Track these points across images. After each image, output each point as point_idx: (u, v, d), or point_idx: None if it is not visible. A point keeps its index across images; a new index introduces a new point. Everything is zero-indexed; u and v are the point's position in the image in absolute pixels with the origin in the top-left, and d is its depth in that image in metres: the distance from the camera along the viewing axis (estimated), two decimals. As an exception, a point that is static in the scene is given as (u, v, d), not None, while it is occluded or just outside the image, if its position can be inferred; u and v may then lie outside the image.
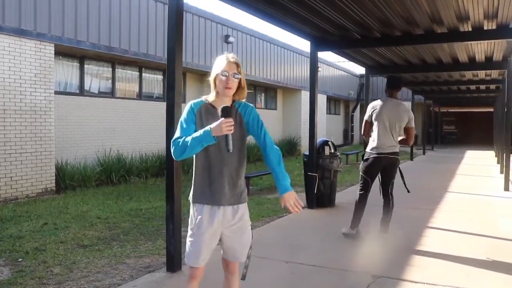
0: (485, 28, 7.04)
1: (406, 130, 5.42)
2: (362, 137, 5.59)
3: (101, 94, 11.37)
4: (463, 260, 4.81)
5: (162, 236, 5.55)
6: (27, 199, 8.31)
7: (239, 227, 2.63)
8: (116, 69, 11.76)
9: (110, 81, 11.67)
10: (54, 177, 9.02)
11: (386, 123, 5.30)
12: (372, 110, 5.43)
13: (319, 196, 7.69)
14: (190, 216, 2.67)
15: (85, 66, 10.89)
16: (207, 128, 2.42)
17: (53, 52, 8.98)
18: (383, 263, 4.64)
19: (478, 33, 7.17)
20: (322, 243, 5.49)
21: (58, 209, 7.32)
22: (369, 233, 5.60)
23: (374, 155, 5.33)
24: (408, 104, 21.94)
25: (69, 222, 6.39)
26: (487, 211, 7.61)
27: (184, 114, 2.60)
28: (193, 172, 2.67)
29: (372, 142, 5.40)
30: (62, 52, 10.01)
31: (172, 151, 2.53)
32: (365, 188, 5.44)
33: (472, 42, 8.00)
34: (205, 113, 2.59)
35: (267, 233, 5.94)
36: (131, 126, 11.94)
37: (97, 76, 11.40)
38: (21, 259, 4.71)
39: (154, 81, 13.26)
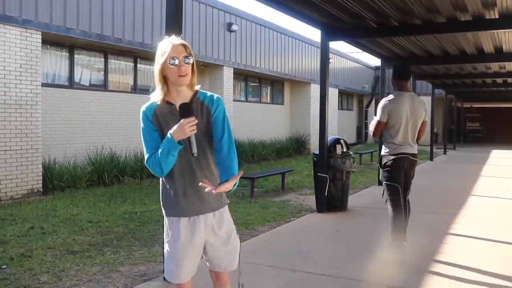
0: (514, 15, 7.01)
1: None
2: (373, 137, 5.36)
3: (92, 87, 11.41)
4: (488, 271, 4.79)
5: (159, 241, 5.56)
6: (12, 201, 8.35)
7: (224, 233, 2.57)
8: (109, 60, 11.79)
9: (102, 72, 11.70)
10: (41, 177, 9.06)
11: (404, 121, 5.13)
12: (386, 108, 5.19)
13: (330, 199, 7.69)
14: (165, 227, 2.59)
15: (75, 56, 10.92)
16: (168, 135, 2.34)
17: (40, 40, 9.01)
18: (400, 273, 4.63)
19: (506, 21, 7.12)
20: (333, 250, 5.49)
21: (46, 212, 7.36)
22: (383, 241, 5.58)
23: (394, 157, 5.14)
24: (427, 99, 21.82)
25: (58, 226, 6.42)
26: (514, 217, 7.60)
27: (141, 126, 2.47)
28: (160, 180, 2.56)
29: (390, 143, 5.23)
30: (50, 41, 10.05)
31: (152, 172, 2.46)
32: (396, 199, 5.10)
33: (499, 30, 7.95)
34: (162, 115, 2.44)
35: (273, 239, 5.95)
36: (125, 121, 11.97)
37: (88, 67, 11.43)
38: (5, 266, 4.73)
39: (150, 73, 13.26)
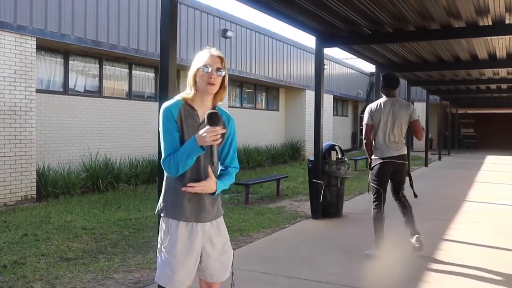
0: (507, 22, 7.06)
1: (411, 124, 5.52)
2: (364, 142, 5.62)
3: (87, 93, 11.38)
4: (482, 277, 4.81)
5: (153, 248, 5.54)
6: (5, 208, 8.30)
7: (220, 243, 2.59)
8: (104, 66, 11.78)
9: (97, 78, 11.68)
10: (35, 184, 9.02)
11: (386, 124, 5.45)
12: (367, 112, 5.58)
13: (325, 206, 7.69)
14: (161, 230, 2.57)
15: (70, 62, 10.91)
16: (193, 137, 2.37)
17: (34, 46, 9.00)
18: (395, 279, 4.64)
19: (499, 28, 7.20)
20: (329, 256, 5.48)
21: (39, 218, 7.32)
22: (380, 247, 5.59)
23: (380, 161, 5.46)
24: (422, 105, 21.90)
25: (51, 233, 6.39)
26: (510, 223, 7.61)
27: (163, 123, 2.48)
28: (166, 180, 2.57)
29: (376, 147, 5.54)
30: (44, 47, 10.04)
31: (166, 171, 2.49)
32: (379, 200, 5.48)
33: (492, 37, 8.03)
34: (185, 116, 2.48)
35: (268, 246, 5.94)
36: (120, 128, 11.95)
37: (82, 73, 11.42)
38: (-2, 274, 4.71)
39: (145, 79, 13.28)
